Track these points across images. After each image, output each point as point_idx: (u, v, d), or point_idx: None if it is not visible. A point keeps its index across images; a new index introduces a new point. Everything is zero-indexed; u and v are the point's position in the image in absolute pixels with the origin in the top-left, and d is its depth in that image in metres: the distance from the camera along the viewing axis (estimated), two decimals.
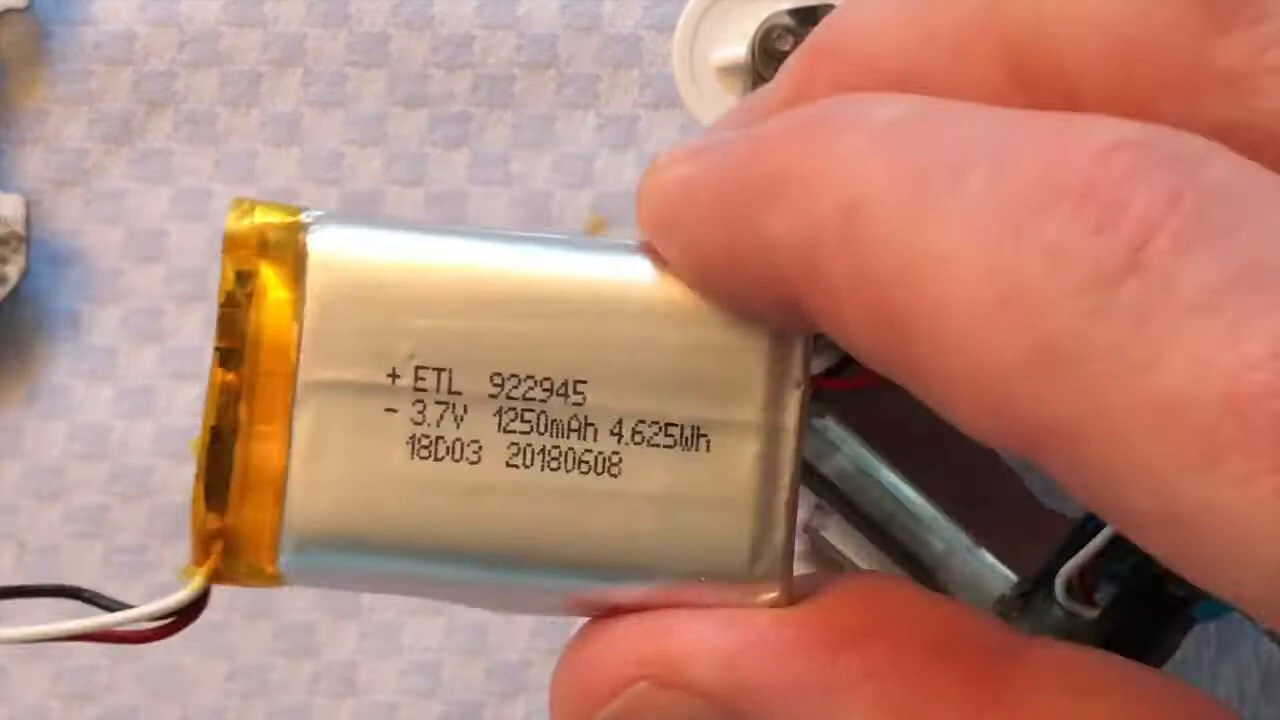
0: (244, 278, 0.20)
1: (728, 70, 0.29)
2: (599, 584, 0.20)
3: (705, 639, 0.20)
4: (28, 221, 0.38)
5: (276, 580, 0.21)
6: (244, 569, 0.21)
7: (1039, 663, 0.19)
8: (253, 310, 0.20)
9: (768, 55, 0.26)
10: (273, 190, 0.40)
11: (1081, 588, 0.26)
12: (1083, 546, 0.26)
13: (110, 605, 0.21)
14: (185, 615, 0.21)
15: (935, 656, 0.19)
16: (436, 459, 0.20)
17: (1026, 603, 0.26)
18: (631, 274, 0.20)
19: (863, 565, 0.28)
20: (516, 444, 0.20)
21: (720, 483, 0.20)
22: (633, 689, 0.20)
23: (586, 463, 0.20)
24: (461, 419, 0.20)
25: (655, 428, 0.20)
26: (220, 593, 0.42)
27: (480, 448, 0.20)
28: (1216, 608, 0.28)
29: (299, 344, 0.20)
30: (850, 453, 0.27)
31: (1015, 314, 0.16)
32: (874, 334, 0.18)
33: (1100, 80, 0.18)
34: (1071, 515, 0.26)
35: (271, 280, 0.20)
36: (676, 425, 0.20)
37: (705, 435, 0.20)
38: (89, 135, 0.40)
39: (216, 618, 0.39)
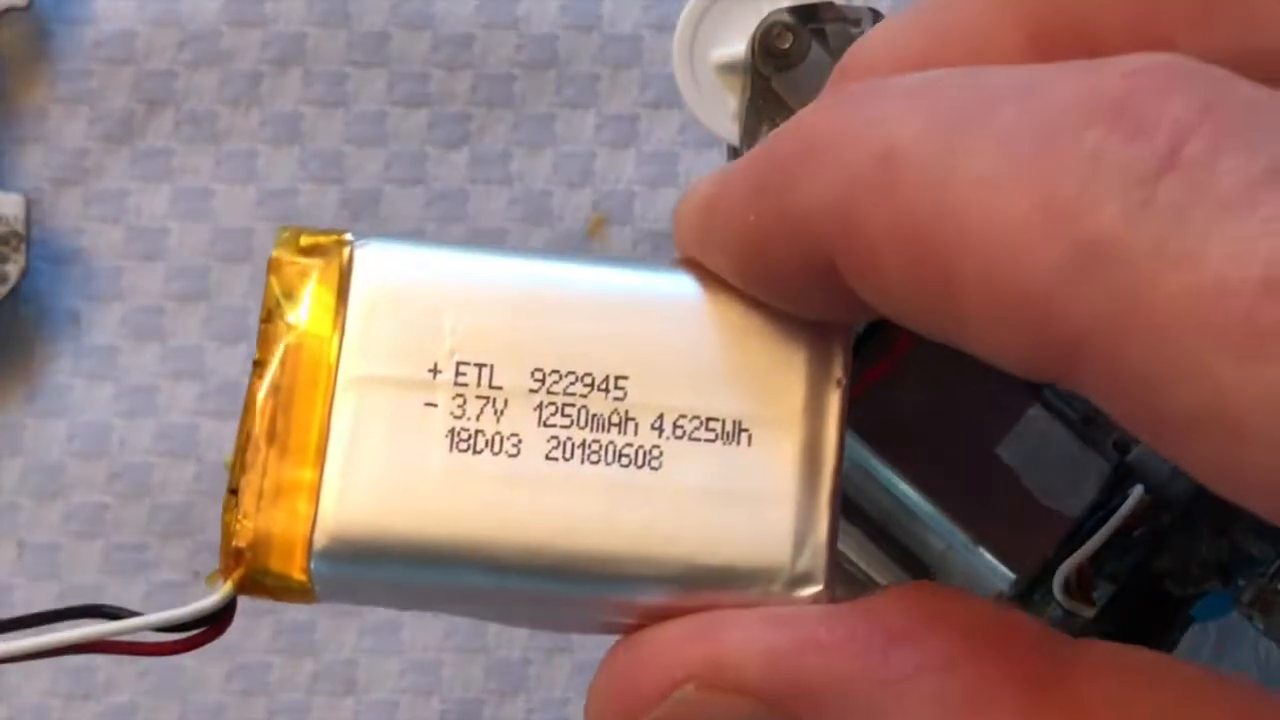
0: (287, 295, 0.21)
1: (728, 68, 0.29)
2: (637, 586, 0.20)
3: (753, 638, 0.19)
4: (28, 221, 0.38)
5: (307, 591, 0.20)
6: (273, 579, 0.20)
7: (1094, 658, 0.18)
8: (294, 325, 0.20)
9: (768, 53, 0.26)
10: (273, 190, 0.40)
11: (1079, 586, 0.26)
12: (1081, 545, 0.26)
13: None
14: (212, 628, 0.20)
15: (989, 651, 0.18)
16: (475, 451, 0.20)
17: (1025, 601, 0.26)
18: (672, 280, 0.21)
19: (861, 564, 0.28)
20: (556, 438, 0.20)
21: (762, 477, 0.20)
22: (679, 692, 0.19)
23: (627, 456, 0.20)
24: (502, 413, 0.20)
25: (696, 422, 0.20)
26: None
27: (520, 441, 0.20)
28: (1216, 608, 0.28)
29: (340, 350, 0.20)
30: (849, 452, 0.27)
31: (1053, 221, 0.16)
32: (913, 276, 0.18)
33: (1121, 25, 0.18)
34: (1069, 514, 0.26)
35: (315, 296, 0.21)
36: (718, 420, 0.20)
37: (747, 430, 0.20)
38: (89, 134, 0.40)
39: None
